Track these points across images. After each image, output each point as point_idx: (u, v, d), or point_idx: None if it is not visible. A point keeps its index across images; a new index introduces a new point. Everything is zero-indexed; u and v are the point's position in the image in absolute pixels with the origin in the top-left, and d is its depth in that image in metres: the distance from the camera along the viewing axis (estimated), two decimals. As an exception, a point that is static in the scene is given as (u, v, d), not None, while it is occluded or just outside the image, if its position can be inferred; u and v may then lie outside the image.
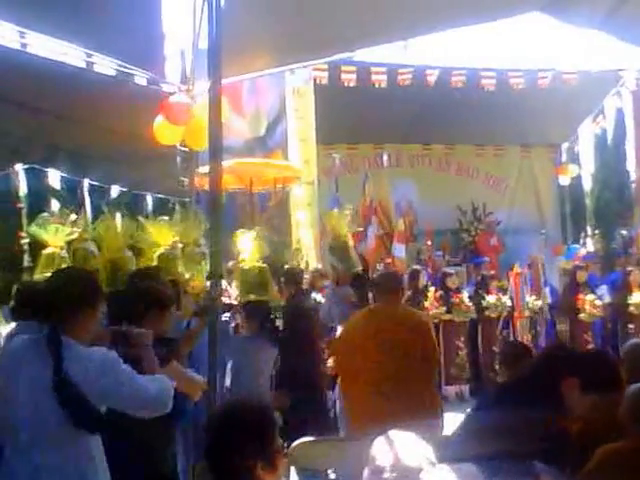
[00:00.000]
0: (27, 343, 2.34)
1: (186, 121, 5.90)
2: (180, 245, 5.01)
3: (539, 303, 8.43)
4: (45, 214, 5.49)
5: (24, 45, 4.86)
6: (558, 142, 12.50)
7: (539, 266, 8.73)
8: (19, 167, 6.71)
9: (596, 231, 11.00)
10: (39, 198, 7.13)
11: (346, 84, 8.99)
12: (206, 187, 5.30)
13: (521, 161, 12.59)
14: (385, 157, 11.61)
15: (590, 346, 8.12)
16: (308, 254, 8.32)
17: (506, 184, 12.53)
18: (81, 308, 2.34)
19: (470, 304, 8.17)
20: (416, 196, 11.39)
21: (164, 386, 2.42)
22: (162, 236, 4.89)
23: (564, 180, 12.11)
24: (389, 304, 3.99)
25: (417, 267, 8.59)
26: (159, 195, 8.06)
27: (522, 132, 11.35)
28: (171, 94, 6.12)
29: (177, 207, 6.43)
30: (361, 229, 8.45)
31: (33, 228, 5.18)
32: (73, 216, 5.22)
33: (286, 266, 6.51)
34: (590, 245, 11.08)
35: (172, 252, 4.86)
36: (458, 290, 8.30)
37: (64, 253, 4.92)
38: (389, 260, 8.87)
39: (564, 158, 12.49)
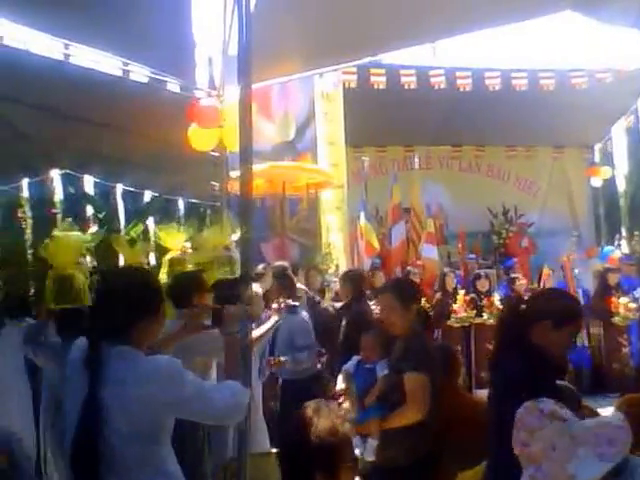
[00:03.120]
0: (79, 354, 2.10)
1: (217, 123, 5.96)
2: (190, 250, 5.06)
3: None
4: (69, 220, 5.59)
5: (67, 56, 4.99)
6: (591, 143, 12.32)
7: (569, 268, 8.60)
8: (54, 173, 6.83)
9: (635, 232, 10.77)
10: (74, 204, 7.27)
11: (375, 87, 8.99)
12: (237, 191, 5.35)
13: (553, 162, 12.45)
14: (415, 159, 11.57)
15: (625, 350, 7.98)
16: (339, 258, 8.32)
17: (538, 186, 12.41)
18: (141, 316, 2.11)
19: (501, 307, 8.07)
20: (446, 198, 11.33)
21: (236, 397, 2.21)
22: (172, 241, 4.93)
23: (596, 181, 11.91)
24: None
25: (445, 270, 8.54)
26: (191, 200, 8.16)
27: (554, 133, 11.21)
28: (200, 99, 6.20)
29: (208, 212, 6.50)
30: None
31: (55, 234, 5.25)
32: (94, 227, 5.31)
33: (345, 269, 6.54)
34: (625, 247, 10.88)
35: (182, 256, 4.88)
36: (489, 293, 8.21)
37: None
38: (420, 262, 8.81)
39: (597, 159, 12.30)
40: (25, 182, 6.77)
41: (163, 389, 2.03)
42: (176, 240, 4.93)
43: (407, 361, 3.04)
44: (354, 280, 5.84)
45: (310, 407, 1.90)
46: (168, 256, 4.88)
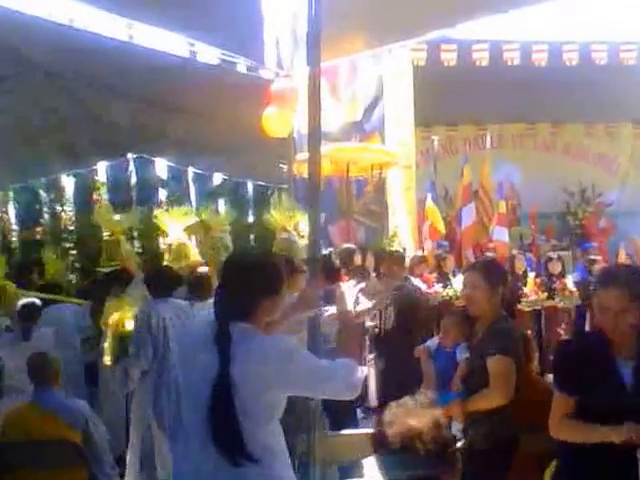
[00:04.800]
0: (204, 329, 2.15)
1: (294, 105, 5.94)
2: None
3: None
4: (106, 203, 5.82)
5: (131, 37, 5.05)
6: (675, 118, 11.68)
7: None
8: (130, 157, 6.98)
9: None
10: (147, 187, 7.41)
11: (446, 64, 8.75)
12: (304, 174, 5.33)
13: (634, 139, 11.90)
14: (487, 138, 11.24)
15: None
16: (406, 240, 8.20)
17: (617, 163, 11.89)
18: (265, 296, 2.16)
19: (574, 290, 7.78)
20: (519, 178, 10.98)
21: (353, 375, 2.20)
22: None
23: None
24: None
25: (514, 252, 8.31)
26: (259, 182, 8.18)
27: (635, 108, 10.67)
28: (271, 81, 6.17)
29: (275, 194, 6.51)
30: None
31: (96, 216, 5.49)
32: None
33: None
34: None
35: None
36: (562, 275, 7.94)
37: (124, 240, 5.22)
38: (491, 245, 8.58)
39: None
40: (101, 165, 6.94)
41: (281, 368, 2.06)
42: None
43: (492, 344, 2.92)
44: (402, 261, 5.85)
45: (405, 408, 1.84)
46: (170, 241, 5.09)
